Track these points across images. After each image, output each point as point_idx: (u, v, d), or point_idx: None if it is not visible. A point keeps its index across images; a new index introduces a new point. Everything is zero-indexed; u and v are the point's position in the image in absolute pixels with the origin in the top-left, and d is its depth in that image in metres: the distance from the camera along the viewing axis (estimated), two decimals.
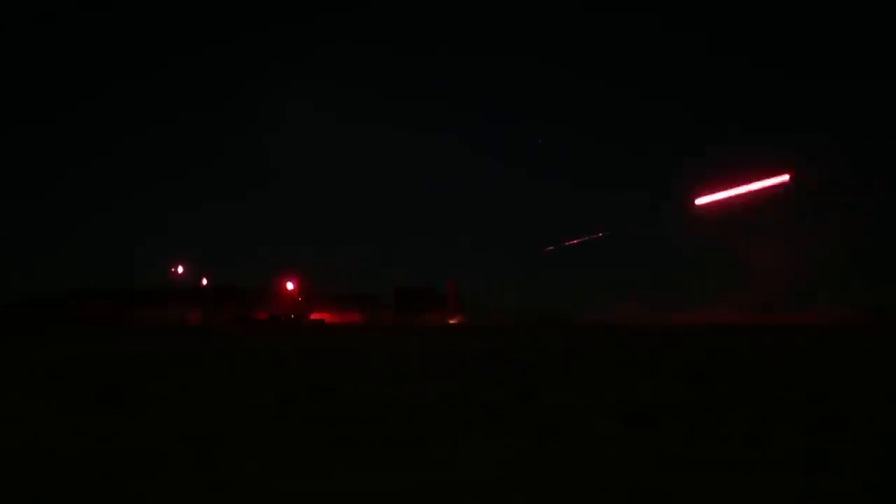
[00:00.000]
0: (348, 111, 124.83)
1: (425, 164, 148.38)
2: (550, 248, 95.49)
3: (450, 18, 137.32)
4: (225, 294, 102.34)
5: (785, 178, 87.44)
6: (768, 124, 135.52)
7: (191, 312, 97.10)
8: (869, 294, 80.00)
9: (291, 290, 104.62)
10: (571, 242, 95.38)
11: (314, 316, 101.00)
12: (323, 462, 8.62)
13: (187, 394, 15.13)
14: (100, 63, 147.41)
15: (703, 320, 70.26)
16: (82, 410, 12.85)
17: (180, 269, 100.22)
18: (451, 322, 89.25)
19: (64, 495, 7.35)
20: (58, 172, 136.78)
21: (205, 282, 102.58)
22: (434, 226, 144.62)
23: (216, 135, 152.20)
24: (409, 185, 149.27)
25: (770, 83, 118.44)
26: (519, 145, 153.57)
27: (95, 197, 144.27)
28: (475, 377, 18.36)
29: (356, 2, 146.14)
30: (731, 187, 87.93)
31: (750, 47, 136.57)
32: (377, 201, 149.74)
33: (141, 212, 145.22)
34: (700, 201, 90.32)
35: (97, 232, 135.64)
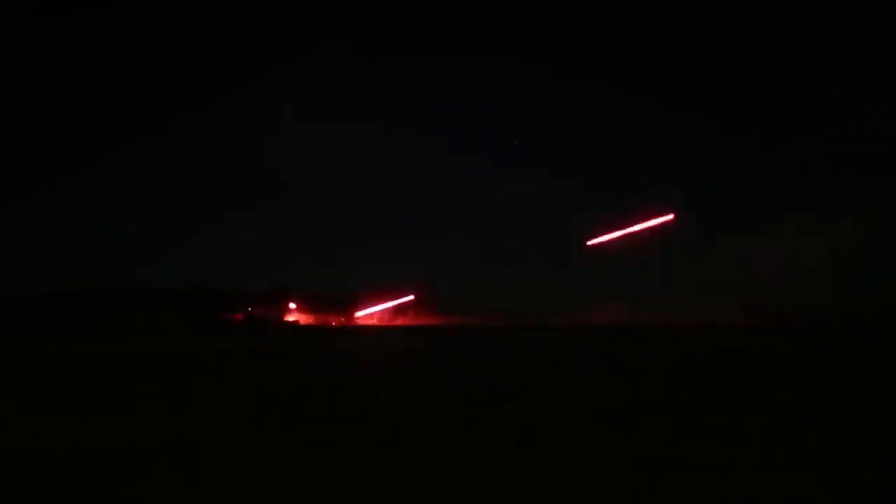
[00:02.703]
0: (344, 111, 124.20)
1: (411, 164, 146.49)
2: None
3: (433, 19, 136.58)
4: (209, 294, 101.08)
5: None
6: (765, 125, 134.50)
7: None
8: (871, 294, 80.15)
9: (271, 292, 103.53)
10: None
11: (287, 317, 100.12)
12: (305, 462, 8.53)
13: (170, 394, 14.96)
14: (100, 63, 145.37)
15: (694, 321, 70.05)
16: (67, 410, 12.70)
17: None
18: (432, 323, 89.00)
19: (51, 495, 7.25)
20: (57, 173, 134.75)
21: None
22: (419, 225, 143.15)
23: (216, 135, 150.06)
24: (399, 186, 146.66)
25: (767, 83, 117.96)
26: (503, 144, 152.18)
27: (91, 198, 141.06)
28: (455, 378, 18.30)
29: (356, 2, 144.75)
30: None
31: (734, 47, 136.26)
32: (366, 201, 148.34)
33: (137, 213, 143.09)
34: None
35: (95, 233, 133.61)
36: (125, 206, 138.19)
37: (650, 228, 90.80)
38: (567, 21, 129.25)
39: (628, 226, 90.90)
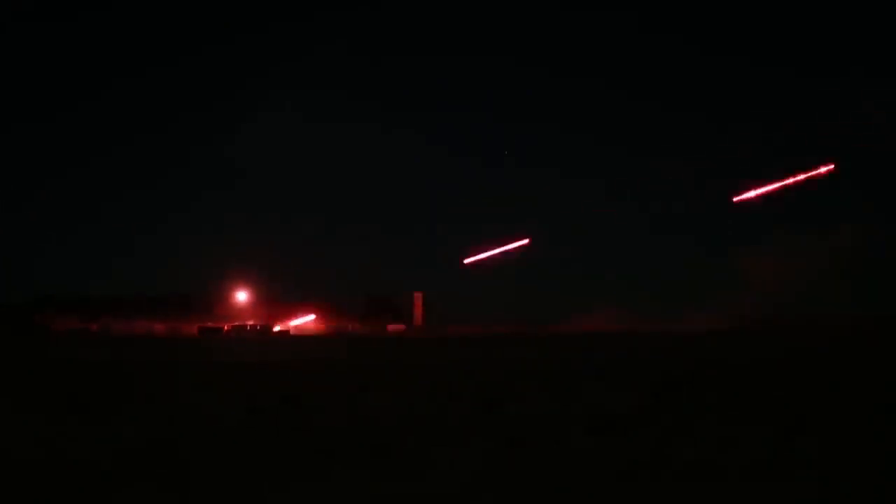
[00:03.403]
0: (344, 111, 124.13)
1: (411, 164, 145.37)
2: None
3: (433, 19, 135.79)
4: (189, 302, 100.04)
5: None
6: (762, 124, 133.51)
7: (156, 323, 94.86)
8: (870, 302, 79.77)
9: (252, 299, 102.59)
10: None
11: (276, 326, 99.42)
12: (300, 468, 8.46)
13: (153, 405, 14.76)
14: (100, 63, 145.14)
15: (689, 328, 69.48)
16: (48, 419, 12.51)
17: None
18: (418, 332, 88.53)
19: (49, 498, 7.21)
20: (56, 173, 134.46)
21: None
22: (418, 225, 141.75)
23: (214, 136, 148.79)
24: (391, 188, 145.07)
25: (767, 83, 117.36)
26: (502, 144, 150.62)
27: (92, 198, 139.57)
28: (442, 387, 18.08)
29: (356, 2, 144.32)
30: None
31: (734, 47, 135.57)
32: (354, 205, 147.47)
33: (138, 213, 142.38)
34: None
35: (95, 233, 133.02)
36: (127, 206, 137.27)
37: (808, 179, 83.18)
38: (567, 21, 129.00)
39: (782, 179, 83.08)
